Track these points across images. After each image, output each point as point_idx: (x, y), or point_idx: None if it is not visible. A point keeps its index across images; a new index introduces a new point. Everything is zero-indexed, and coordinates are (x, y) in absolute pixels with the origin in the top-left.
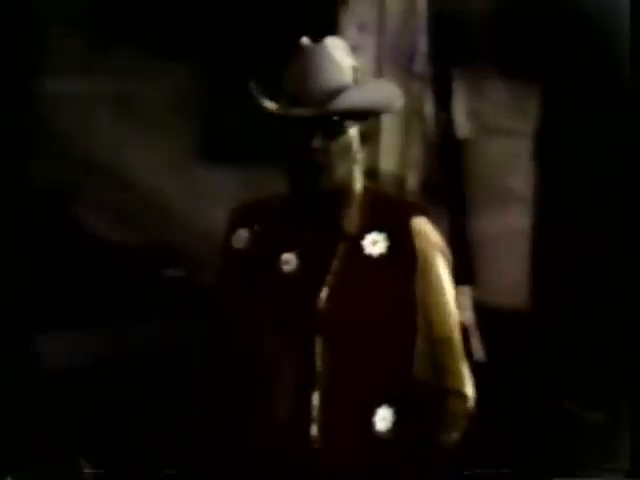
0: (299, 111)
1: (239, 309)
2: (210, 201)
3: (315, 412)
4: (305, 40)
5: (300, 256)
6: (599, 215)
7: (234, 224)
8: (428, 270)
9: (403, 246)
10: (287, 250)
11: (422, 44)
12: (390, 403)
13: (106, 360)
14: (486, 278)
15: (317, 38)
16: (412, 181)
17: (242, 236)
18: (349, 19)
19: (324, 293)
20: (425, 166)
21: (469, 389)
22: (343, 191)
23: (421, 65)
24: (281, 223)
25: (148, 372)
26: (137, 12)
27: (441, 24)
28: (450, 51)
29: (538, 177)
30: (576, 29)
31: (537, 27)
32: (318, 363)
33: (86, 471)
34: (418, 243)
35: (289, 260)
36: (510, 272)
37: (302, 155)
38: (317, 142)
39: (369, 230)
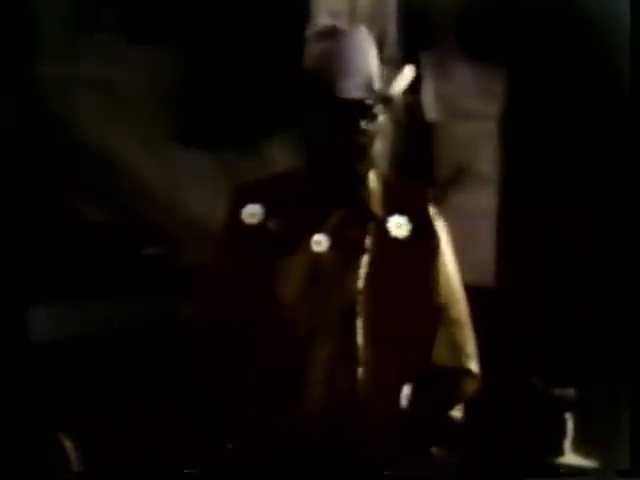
0: (358, 94)
1: (258, 283)
2: (187, 182)
3: (360, 388)
4: (338, 26)
5: (331, 237)
6: (564, 194)
7: (241, 200)
8: (446, 256)
9: (425, 230)
10: (315, 230)
11: (391, 30)
12: (411, 381)
13: (91, 335)
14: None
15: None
16: (382, 162)
17: (256, 212)
18: (320, 6)
19: (362, 273)
20: (395, 148)
21: (477, 367)
22: (366, 174)
23: (391, 50)
24: (305, 203)
25: (133, 347)
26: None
27: (409, 10)
28: (418, 37)
29: (504, 158)
30: (541, 14)
31: (502, 12)
32: (360, 341)
33: (69, 448)
34: (438, 228)
35: (320, 241)
36: (476, 251)
37: (343, 137)
38: (363, 124)
39: (392, 213)
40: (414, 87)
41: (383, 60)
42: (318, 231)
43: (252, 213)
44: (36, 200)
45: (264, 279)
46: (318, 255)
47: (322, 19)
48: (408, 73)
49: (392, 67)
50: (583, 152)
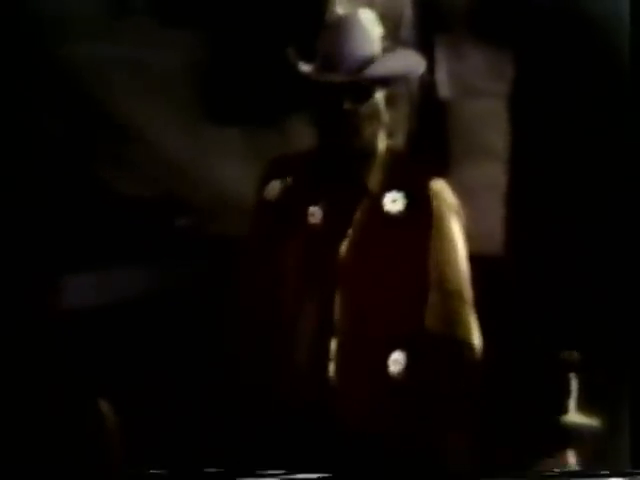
0: (333, 76)
1: (267, 256)
2: (216, 158)
3: (332, 356)
4: (339, 10)
5: (324, 209)
6: (570, 168)
7: (267, 177)
8: (443, 229)
9: (420, 205)
10: (313, 203)
11: (408, 12)
12: (403, 348)
13: (126, 301)
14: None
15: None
16: (400, 137)
17: (275, 188)
18: None
19: (344, 245)
20: (411, 123)
21: (476, 339)
22: (368, 151)
23: (407, 32)
24: (309, 178)
25: (166, 312)
26: None
27: None
28: (433, 19)
29: (512, 134)
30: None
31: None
32: (336, 310)
33: (107, 414)
34: (435, 203)
35: (314, 212)
36: (486, 220)
37: (333, 117)
38: (348, 105)
39: (389, 189)
40: (429, 67)
41: (398, 41)
42: (314, 204)
43: (271, 189)
44: (78, 175)
45: (273, 249)
46: (312, 226)
47: (341, 4)
48: (408, 57)
49: (408, 48)
50: (585, 130)
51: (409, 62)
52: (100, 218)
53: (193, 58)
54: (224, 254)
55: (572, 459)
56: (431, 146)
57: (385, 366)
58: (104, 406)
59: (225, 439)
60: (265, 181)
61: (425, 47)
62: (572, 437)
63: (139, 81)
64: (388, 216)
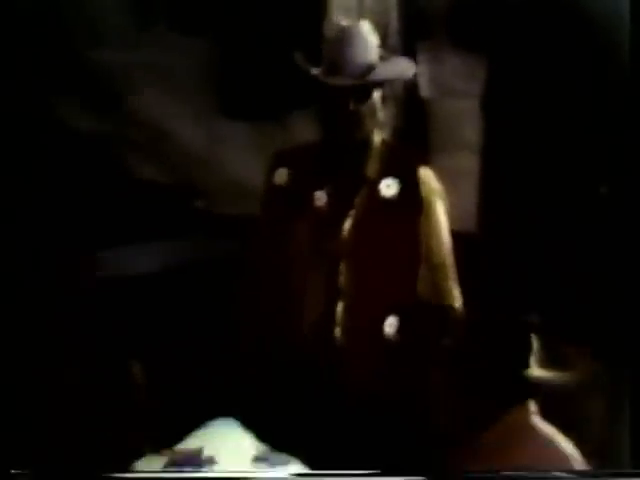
0: (341, 80)
1: (279, 233)
2: (228, 148)
3: (337, 318)
4: (337, 19)
5: (329, 194)
6: (537, 156)
7: (275, 165)
8: (430, 212)
9: (411, 191)
10: (319, 188)
11: (394, 23)
12: (397, 313)
13: (152, 273)
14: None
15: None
16: (386, 131)
17: (282, 175)
18: (335, 4)
19: (347, 224)
20: (396, 119)
21: (458, 303)
22: (366, 143)
23: (393, 40)
24: (315, 166)
25: (187, 281)
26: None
27: (408, 7)
28: (415, 28)
29: (484, 129)
30: (516, 12)
31: (484, 10)
32: (341, 280)
33: (139, 376)
34: (423, 189)
35: (320, 197)
36: (461, 204)
37: (338, 114)
38: (352, 105)
39: (384, 176)
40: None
41: (386, 48)
42: (320, 189)
43: (280, 175)
44: (113, 165)
45: (284, 227)
46: (318, 208)
47: (336, 15)
48: (402, 63)
49: (394, 54)
50: (552, 118)
51: (403, 67)
52: (130, 200)
53: (208, 62)
54: (235, 232)
55: (533, 408)
56: (414, 139)
57: (381, 328)
58: (135, 366)
59: (242, 396)
60: (273, 168)
61: (408, 53)
62: (533, 388)
63: (161, 82)
64: (383, 199)
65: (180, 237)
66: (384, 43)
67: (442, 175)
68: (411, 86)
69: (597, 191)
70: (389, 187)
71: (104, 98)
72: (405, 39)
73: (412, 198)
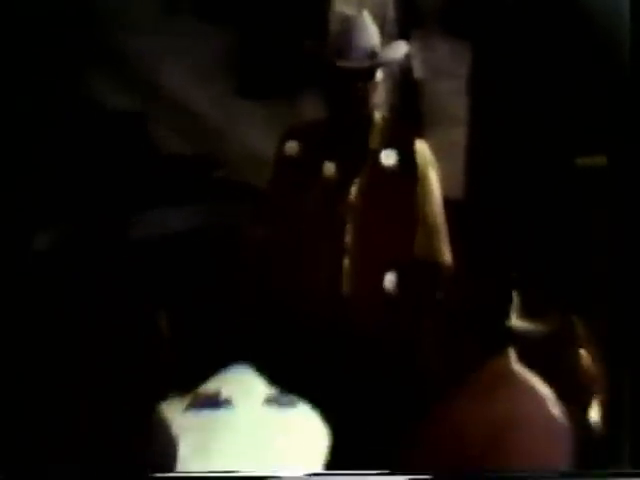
0: (351, 63)
1: (291, 198)
2: (244, 124)
3: (344, 273)
4: (343, 10)
5: (337, 163)
6: (517, 129)
7: (286, 138)
8: (425, 180)
9: (408, 160)
10: (328, 159)
11: (391, 12)
12: (395, 270)
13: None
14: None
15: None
16: (385, 108)
17: (292, 147)
18: None
19: (353, 190)
20: (393, 97)
21: (448, 261)
22: (369, 119)
23: (391, 27)
24: (324, 139)
25: (208, 241)
26: None
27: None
28: (409, 18)
29: (470, 106)
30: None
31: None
32: (347, 240)
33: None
34: (418, 158)
35: (329, 166)
36: (450, 170)
37: (346, 93)
38: (358, 85)
39: (385, 147)
40: (406, 55)
41: (384, 35)
42: (328, 160)
43: (291, 147)
44: (145, 139)
45: (296, 193)
46: (326, 177)
47: (339, 5)
48: (401, 47)
49: (390, 40)
50: (533, 96)
51: (401, 51)
52: (159, 170)
53: (227, 48)
54: (250, 197)
55: (513, 355)
56: (409, 115)
57: (382, 283)
58: (161, 317)
59: (255, 344)
60: (284, 141)
61: (403, 40)
62: (513, 337)
63: (186, 66)
64: (384, 168)
65: (202, 202)
66: (382, 31)
67: (434, 146)
68: (406, 69)
69: (573, 162)
70: (388, 157)
71: (138, 80)
72: (400, 27)
73: (409, 167)
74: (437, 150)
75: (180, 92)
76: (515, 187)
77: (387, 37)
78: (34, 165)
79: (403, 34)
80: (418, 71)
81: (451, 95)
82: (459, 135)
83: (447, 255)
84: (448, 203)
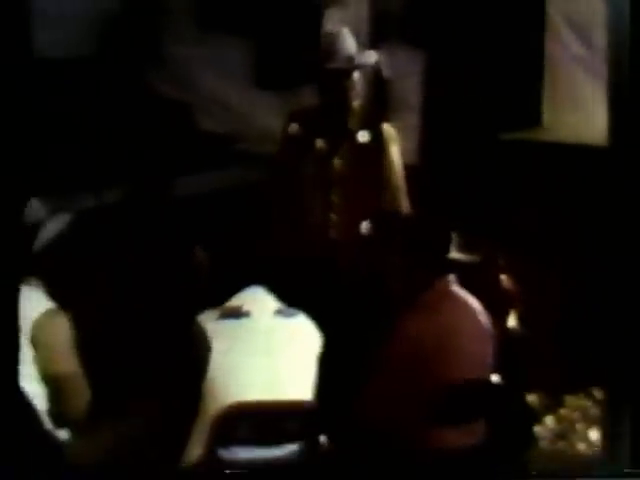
0: (336, 65)
1: (293, 166)
2: (260, 109)
3: (332, 223)
4: (333, 28)
5: (325, 140)
6: (459, 113)
7: (289, 121)
8: (389, 153)
9: (377, 138)
10: (320, 137)
11: (365, 28)
12: (369, 219)
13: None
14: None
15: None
16: (362, 98)
17: (294, 127)
18: (328, 19)
19: (337, 161)
20: (369, 91)
21: (407, 210)
22: (350, 107)
23: (365, 40)
24: (316, 122)
25: (231, 198)
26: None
27: (374, 17)
28: (379, 32)
29: (424, 97)
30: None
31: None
32: (334, 198)
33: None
34: (385, 137)
35: (320, 143)
36: (409, 144)
37: (333, 87)
38: (341, 81)
39: (361, 128)
40: (377, 59)
41: (359, 45)
42: (319, 137)
43: (293, 128)
44: (182, 122)
45: (297, 163)
46: (318, 150)
47: (329, 25)
48: (372, 55)
49: (364, 49)
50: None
51: (373, 58)
52: (197, 145)
53: (247, 54)
54: (263, 165)
55: (453, 279)
56: (380, 104)
57: (359, 229)
58: (200, 251)
59: (267, 271)
60: (287, 123)
61: (374, 49)
62: (452, 265)
63: (217, 66)
64: (359, 144)
65: (229, 168)
66: (358, 42)
67: (397, 127)
68: (377, 70)
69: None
70: (363, 136)
71: (183, 77)
72: (372, 40)
73: (378, 143)
74: (400, 130)
75: (213, 86)
76: (456, 156)
77: (362, 47)
78: (115, 140)
79: (374, 44)
80: (386, 72)
81: (410, 90)
82: (415, 119)
83: (406, 206)
84: (407, 168)
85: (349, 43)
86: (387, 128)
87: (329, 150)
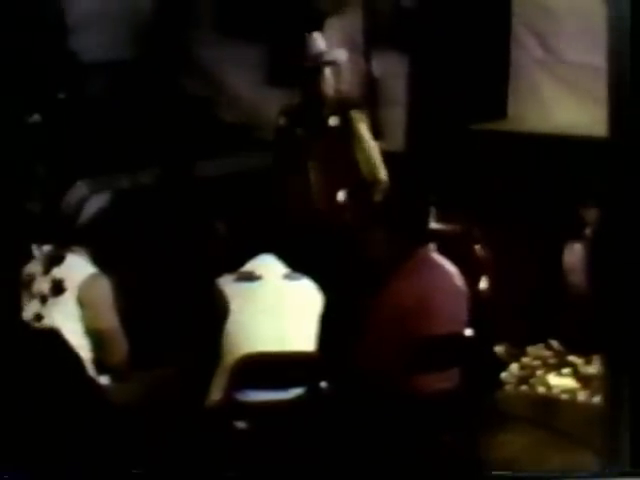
0: (309, 63)
1: (286, 149)
2: (265, 103)
3: (315, 194)
4: (311, 34)
5: (306, 127)
6: (436, 107)
7: (280, 113)
8: (357, 131)
9: (345, 122)
10: (302, 125)
11: (359, 36)
12: (346, 189)
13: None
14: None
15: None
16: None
17: (282, 119)
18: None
19: (315, 143)
20: (360, 89)
21: (385, 178)
22: (324, 97)
23: (358, 45)
24: (298, 113)
25: (243, 178)
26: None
27: (366, 23)
28: (370, 38)
29: (409, 93)
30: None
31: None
32: (313, 173)
33: (222, 230)
34: (352, 120)
35: (302, 130)
36: (393, 132)
37: (311, 83)
38: (322, 75)
39: (332, 115)
40: (370, 60)
41: (351, 48)
42: (301, 125)
43: (282, 119)
44: (208, 113)
45: (288, 147)
46: (301, 135)
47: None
48: (341, 52)
49: (356, 51)
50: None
51: (342, 55)
52: (213, 132)
53: (258, 57)
54: (268, 148)
55: (432, 247)
56: (371, 98)
57: (337, 197)
58: (220, 226)
59: (276, 241)
60: (279, 115)
61: (367, 50)
62: (432, 235)
63: (233, 66)
64: (331, 127)
65: (243, 152)
66: (349, 47)
67: (385, 117)
68: (369, 71)
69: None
70: (335, 121)
71: (206, 76)
72: (365, 45)
73: (345, 126)
74: (387, 120)
75: (230, 83)
76: (435, 143)
77: (352, 51)
78: (148, 131)
79: (367, 49)
80: (376, 72)
81: (397, 87)
82: (401, 111)
83: (382, 173)
84: (391, 154)
85: (319, 44)
86: (355, 114)
87: (308, 134)
